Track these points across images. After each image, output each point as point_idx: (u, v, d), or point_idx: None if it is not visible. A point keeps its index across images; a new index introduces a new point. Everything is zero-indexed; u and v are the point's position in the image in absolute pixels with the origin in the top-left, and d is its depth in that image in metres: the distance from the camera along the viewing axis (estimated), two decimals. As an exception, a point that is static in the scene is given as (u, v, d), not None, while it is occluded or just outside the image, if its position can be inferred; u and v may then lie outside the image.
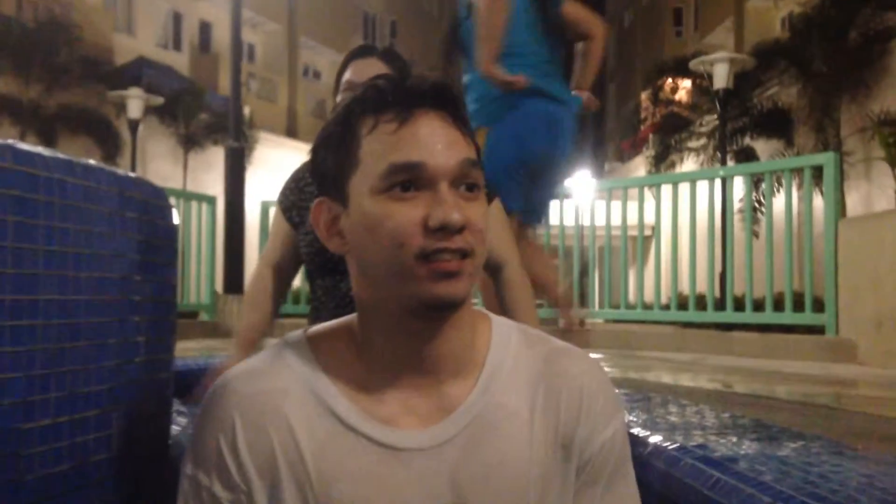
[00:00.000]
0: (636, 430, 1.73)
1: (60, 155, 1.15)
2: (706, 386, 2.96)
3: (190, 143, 17.41)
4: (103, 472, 1.21)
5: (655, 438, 1.63)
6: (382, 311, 0.86)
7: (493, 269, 1.98)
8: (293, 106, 24.60)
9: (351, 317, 0.91)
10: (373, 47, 2.08)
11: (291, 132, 23.23)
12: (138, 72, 17.72)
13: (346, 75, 2.02)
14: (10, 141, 1.06)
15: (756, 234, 5.76)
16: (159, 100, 14.74)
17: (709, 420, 1.87)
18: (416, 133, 0.84)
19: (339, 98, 2.02)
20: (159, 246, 1.36)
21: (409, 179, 0.82)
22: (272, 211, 7.42)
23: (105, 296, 1.20)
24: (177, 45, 22.87)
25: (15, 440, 1.03)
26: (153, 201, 1.36)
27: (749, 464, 1.35)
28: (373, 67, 1.96)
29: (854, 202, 11.07)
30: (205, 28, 23.65)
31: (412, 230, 0.81)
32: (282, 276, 2.05)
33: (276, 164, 18.21)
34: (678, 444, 1.53)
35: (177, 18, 22.89)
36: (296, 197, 2.01)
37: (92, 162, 1.22)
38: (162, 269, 1.37)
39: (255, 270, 2.07)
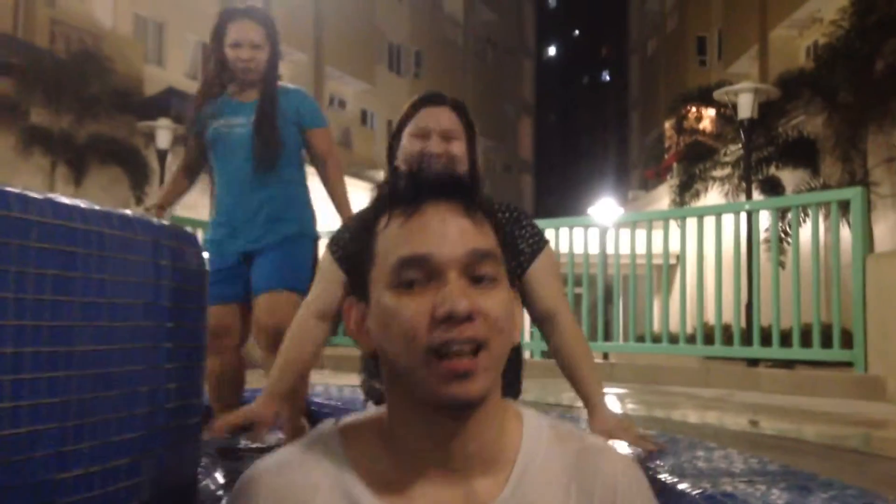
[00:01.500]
0: (663, 476, 1.72)
1: (98, 207, 1.17)
2: (732, 426, 2.92)
3: (217, 171, 17.59)
4: (135, 519, 1.22)
5: (683, 485, 1.62)
6: (407, 406, 0.85)
7: (543, 320, 1.93)
8: (318, 135, 24.80)
9: (383, 409, 0.90)
10: (443, 96, 2.01)
11: (316, 161, 23.40)
12: (167, 102, 17.96)
13: (417, 121, 1.94)
14: (50, 195, 1.09)
15: (783, 266, 5.71)
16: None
17: (737, 465, 1.85)
18: (424, 225, 0.84)
19: (404, 143, 1.95)
20: (191, 291, 1.38)
21: (418, 272, 0.82)
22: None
23: (138, 344, 1.22)
24: (205, 76, 23.20)
25: (48, 491, 1.05)
26: (186, 248, 1.38)
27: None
28: (444, 116, 1.93)
29: (882, 233, 10.93)
30: (232, 59, 24.00)
31: (420, 323, 0.80)
32: (327, 326, 1.96)
33: (300, 192, 18.34)
34: (707, 493, 1.52)
35: (205, 50, 23.24)
36: (352, 247, 1.99)
37: (129, 212, 1.25)
38: (193, 314, 1.40)
39: (299, 318, 1.97)
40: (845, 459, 2.15)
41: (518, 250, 1.90)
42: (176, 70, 21.87)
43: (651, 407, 3.55)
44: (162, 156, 14.25)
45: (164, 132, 14.28)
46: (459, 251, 0.83)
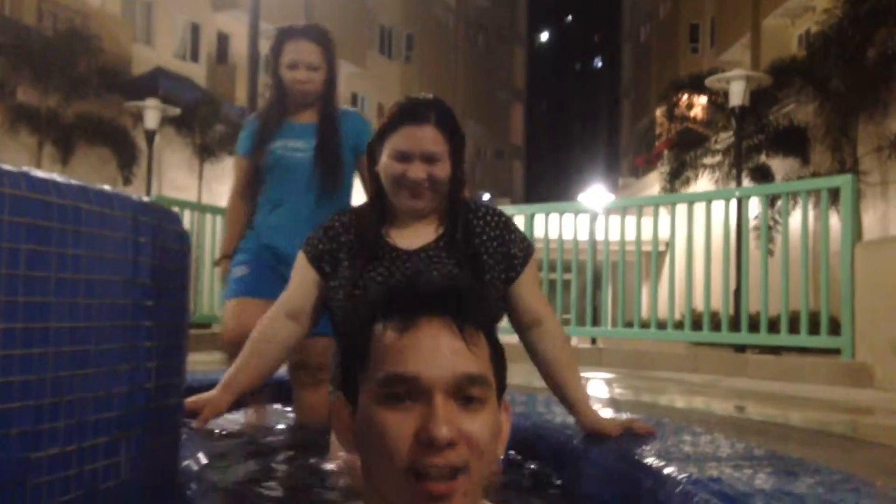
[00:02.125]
0: (650, 461, 1.71)
1: (74, 182, 1.14)
2: (720, 411, 2.92)
3: (206, 153, 17.48)
4: (112, 500, 1.20)
5: (670, 469, 1.61)
6: None
7: (529, 326, 1.89)
8: (309, 117, 24.69)
9: None
10: (426, 110, 1.81)
11: (307, 143, 23.30)
12: (155, 82, 17.83)
13: (398, 142, 1.78)
14: (24, 168, 1.06)
15: (771, 253, 5.72)
16: (176, 110, 14.82)
17: (723, 450, 1.84)
18: (416, 343, 0.83)
19: (384, 160, 1.81)
20: (172, 270, 1.36)
21: (404, 391, 0.81)
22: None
23: (116, 322, 1.20)
24: (194, 57, 23.03)
25: (23, 470, 1.02)
26: (167, 226, 1.35)
27: (766, 500, 1.32)
28: (427, 136, 1.78)
29: (870, 221, 10.98)
30: (222, 39, 23.80)
31: (402, 444, 0.79)
32: (297, 327, 1.88)
33: (290, 175, 18.25)
34: (693, 478, 1.51)
35: (195, 30, 23.05)
36: (326, 246, 1.87)
37: (107, 188, 1.22)
38: (174, 293, 1.37)
39: (269, 315, 1.90)
40: (832, 445, 2.16)
41: (511, 254, 1.86)
42: (165, 50, 21.69)
43: (638, 392, 3.56)
44: (150, 136, 14.15)
45: (152, 112, 14.16)
46: (448, 374, 0.81)
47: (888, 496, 1.43)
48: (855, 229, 4.87)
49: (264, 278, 2.71)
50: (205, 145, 17.53)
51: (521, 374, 3.72)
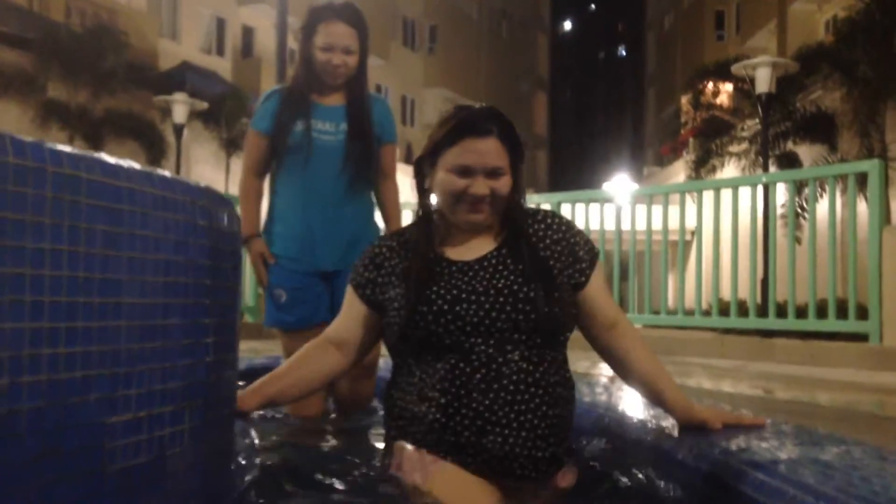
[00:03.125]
0: (677, 432, 1.77)
1: (139, 167, 1.23)
2: (747, 392, 2.97)
3: (232, 147, 17.66)
4: (177, 465, 1.28)
5: (697, 440, 1.67)
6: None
7: (605, 329, 1.77)
8: (333, 110, 24.81)
9: None
10: (490, 123, 1.71)
11: (331, 136, 23.43)
12: (182, 76, 18.03)
13: (459, 157, 1.68)
14: (100, 154, 1.14)
15: (799, 241, 5.72)
16: (203, 104, 14.99)
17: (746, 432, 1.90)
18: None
19: (442, 176, 1.71)
20: (226, 251, 1.44)
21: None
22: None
23: (179, 299, 1.28)
24: (220, 51, 23.24)
25: (100, 433, 1.11)
26: (221, 209, 1.43)
27: (791, 467, 1.38)
28: (491, 150, 1.69)
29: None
30: (247, 33, 23.99)
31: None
32: (341, 358, 1.80)
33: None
34: (721, 447, 1.57)
35: (220, 24, 23.25)
36: (373, 274, 1.78)
37: (167, 173, 1.30)
38: (229, 273, 1.45)
39: (316, 342, 1.82)
40: (859, 422, 2.20)
41: (578, 257, 1.76)
42: (190, 44, 21.91)
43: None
44: (178, 130, 14.34)
45: (180, 106, 14.34)
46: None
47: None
48: (882, 214, 4.88)
49: (306, 304, 2.67)
50: (231, 139, 17.72)
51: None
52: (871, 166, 5.01)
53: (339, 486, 1.73)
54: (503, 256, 1.72)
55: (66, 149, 1.08)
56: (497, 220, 1.75)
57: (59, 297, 1.03)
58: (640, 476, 1.77)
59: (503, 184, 1.70)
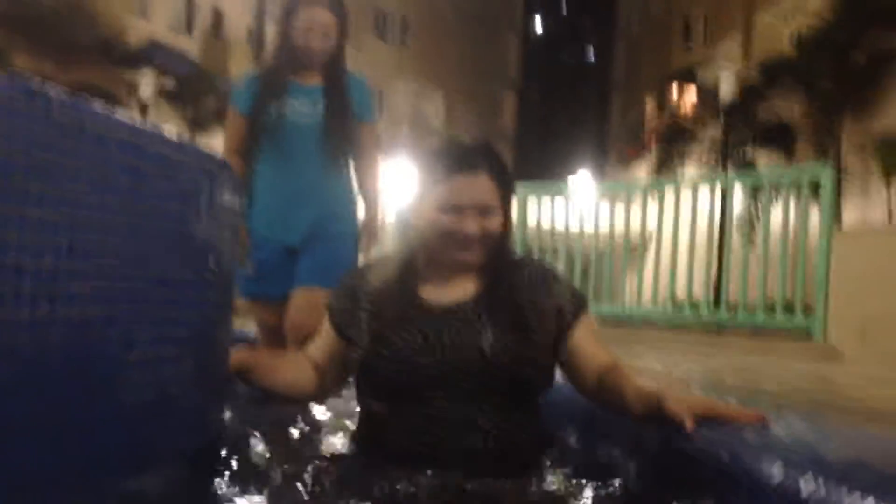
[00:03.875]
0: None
1: (158, 130, 1.34)
2: (697, 378, 3.15)
3: (197, 127, 17.56)
4: (179, 403, 1.40)
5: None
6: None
7: (603, 374, 1.58)
8: (302, 96, 24.72)
9: None
10: (481, 159, 1.62)
11: (299, 122, 23.36)
12: (150, 54, 17.85)
13: (450, 195, 1.58)
14: (127, 117, 1.25)
15: (753, 243, 5.96)
16: (171, 82, 14.91)
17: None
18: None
19: (431, 216, 1.60)
20: (230, 209, 1.55)
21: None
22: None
23: (189, 252, 1.40)
24: (189, 30, 23.02)
25: (119, 368, 1.22)
26: (224, 172, 1.55)
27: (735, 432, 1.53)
28: (482, 187, 1.59)
29: (851, 217, 11.29)
30: (217, 15, 23.78)
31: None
32: (316, 379, 1.70)
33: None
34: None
35: (190, 4, 23.03)
36: (347, 304, 1.68)
37: (186, 141, 1.42)
38: (231, 234, 1.57)
39: (297, 358, 1.74)
40: (798, 403, 2.38)
41: (560, 308, 1.63)
42: (160, 22, 21.65)
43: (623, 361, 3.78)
44: (144, 107, 14.26)
45: (147, 83, 14.27)
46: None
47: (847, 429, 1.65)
48: (833, 219, 5.11)
49: (272, 276, 2.72)
50: (197, 119, 17.60)
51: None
52: (824, 173, 5.25)
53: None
54: (481, 307, 1.60)
55: (103, 110, 1.19)
56: (483, 260, 1.64)
57: (88, 241, 1.15)
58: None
59: (495, 222, 1.60)
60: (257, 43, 7.77)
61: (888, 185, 5.08)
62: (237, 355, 1.64)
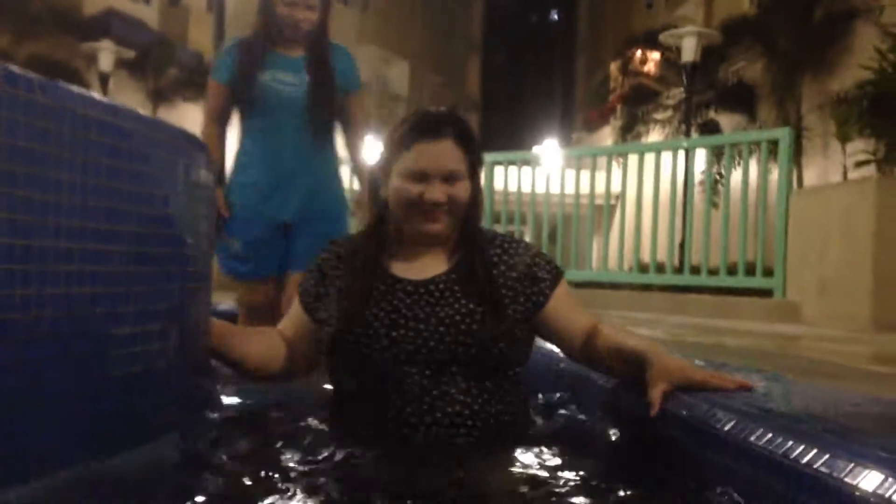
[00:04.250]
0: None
1: (138, 111, 1.37)
2: (661, 337, 3.26)
3: (160, 98, 17.28)
4: (163, 378, 1.45)
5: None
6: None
7: (588, 337, 1.61)
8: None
9: None
10: (445, 123, 1.61)
11: (261, 91, 23.09)
12: (108, 24, 17.49)
13: (413, 162, 1.58)
14: (105, 98, 1.28)
15: (716, 206, 6.08)
16: (130, 53, 14.67)
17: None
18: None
19: (396, 184, 1.61)
20: (204, 188, 1.59)
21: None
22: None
23: (168, 229, 1.44)
24: (146, -2, 22.54)
25: (106, 343, 1.27)
26: (198, 151, 1.59)
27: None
28: (447, 153, 1.59)
29: (812, 177, 11.48)
30: (175, -19, 23.32)
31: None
32: (289, 356, 1.72)
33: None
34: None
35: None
36: (315, 283, 1.71)
37: (156, 117, 1.45)
38: (206, 207, 1.61)
39: (275, 331, 1.75)
40: (760, 358, 2.49)
41: (537, 278, 1.63)
42: (116, -9, 21.21)
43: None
44: (104, 78, 14.01)
45: (106, 54, 14.01)
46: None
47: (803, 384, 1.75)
48: (790, 179, 5.24)
49: (259, 256, 2.72)
50: (159, 90, 17.32)
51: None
52: (781, 134, 5.37)
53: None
54: (452, 281, 1.59)
55: (82, 92, 1.22)
56: (454, 235, 1.65)
57: (72, 221, 1.19)
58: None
59: (461, 189, 1.58)
60: (217, 10, 7.67)
61: (843, 143, 5.21)
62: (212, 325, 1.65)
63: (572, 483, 1.36)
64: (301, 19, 2.69)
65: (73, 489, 1.17)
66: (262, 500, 1.23)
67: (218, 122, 2.80)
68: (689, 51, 10.39)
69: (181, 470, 1.43)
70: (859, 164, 4.75)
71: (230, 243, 2.76)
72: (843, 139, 5.24)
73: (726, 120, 13.56)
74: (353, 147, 2.91)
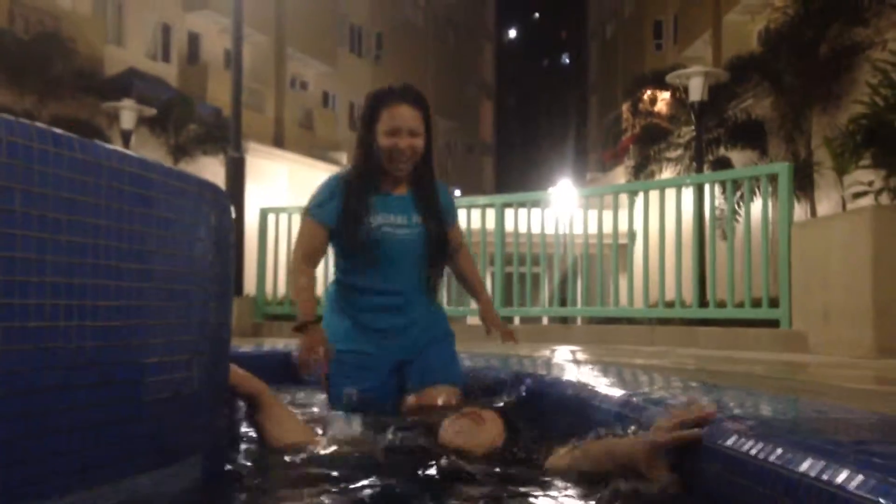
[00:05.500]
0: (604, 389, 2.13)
1: (159, 163, 1.54)
2: (671, 366, 3.36)
3: (180, 153, 17.69)
4: (188, 404, 1.59)
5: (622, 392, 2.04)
6: None
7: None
8: (280, 116, 24.97)
9: None
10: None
11: (279, 142, 23.58)
12: (129, 83, 18.00)
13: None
14: (136, 153, 1.45)
15: (725, 238, 6.18)
16: (152, 110, 15.05)
17: (657, 382, 2.28)
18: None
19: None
20: (225, 231, 1.75)
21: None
22: (270, 217, 7.83)
23: (193, 270, 1.59)
24: (165, 57, 23.17)
25: (139, 371, 1.42)
26: (219, 199, 1.75)
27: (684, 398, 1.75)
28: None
29: (825, 209, 11.54)
30: (193, 39, 23.97)
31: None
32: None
33: (265, 173, 18.57)
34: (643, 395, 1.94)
35: (165, 30, 23.19)
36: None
37: (186, 172, 1.62)
38: (227, 250, 1.77)
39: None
40: (766, 385, 2.59)
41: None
42: (136, 50, 21.82)
43: (600, 355, 3.99)
44: (126, 136, 14.39)
45: (128, 113, 14.39)
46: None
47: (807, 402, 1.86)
48: (791, 212, 5.36)
49: (377, 401, 2.57)
50: (179, 145, 17.75)
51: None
52: (780, 168, 5.49)
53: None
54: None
55: (115, 148, 1.39)
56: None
57: (109, 261, 1.34)
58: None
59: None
60: (235, 67, 7.96)
61: (840, 175, 5.33)
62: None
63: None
64: (405, 148, 2.58)
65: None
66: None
67: (312, 263, 2.71)
68: (697, 90, 10.57)
69: (204, 489, 1.56)
70: (857, 196, 4.86)
71: (347, 394, 2.62)
72: (840, 172, 5.35)
73: (738, 156, 13.67)
74: (465, 270, 2.89)
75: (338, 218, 2.63)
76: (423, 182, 2.69)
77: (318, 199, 2.70)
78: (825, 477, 1.06)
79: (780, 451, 1.16)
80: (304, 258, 2.68)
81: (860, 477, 1.01)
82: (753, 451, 1.20)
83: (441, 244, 2.68)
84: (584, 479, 1.51)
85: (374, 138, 2.60)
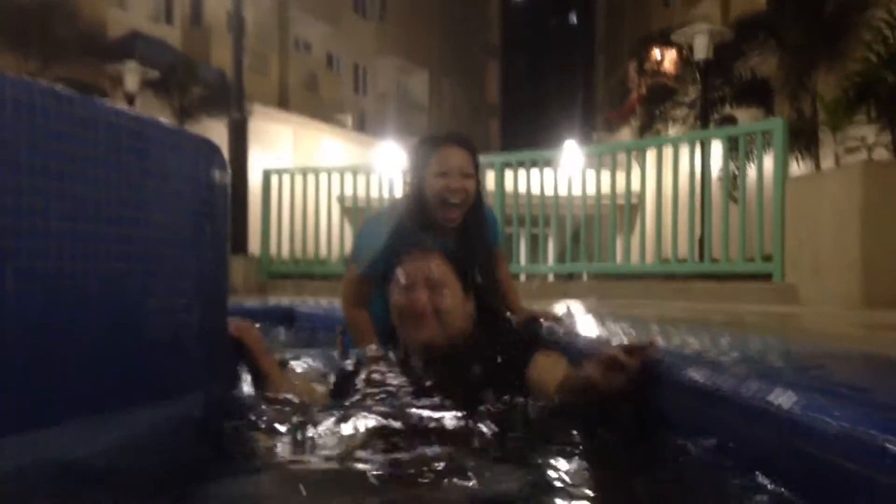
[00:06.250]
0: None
1: (157, 119, 1.63)
2: (667, 314, 3.47)
3: (185, 116, 17.70)
4: (189, 345, 1.70)
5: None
6: None
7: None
8: (284, 78, 24.89)
9: None
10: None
11: (283, 104, 23.54)
12: (132, 45, 17.97)
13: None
14: (134, 110, 1.54)
15: (734, 199, 6.24)
16: (155, 73, 15.07)
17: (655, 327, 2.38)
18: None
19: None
20: (221, 186, 1.85)
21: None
22: (273, 179, 7.92)
23: (192, 219, 1.69)
24: (168, 19, 23.08)
25: (141, 312, 1.53)
26: (215, 155, 1.84)
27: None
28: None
29: (830, 166, 11.56)
30: (196, 1, 23.84)
31: None
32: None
33: (270, 134, 18.61)
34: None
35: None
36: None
37: (182, 128, 1.71)
38: (223, 202, 1.86)
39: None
40: (745, 326, 2.69)
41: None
42: (139, 13, 21.72)
43: (597, 307, 4.10)
44: (130, 99, 14.43)
45: (131, 75, 14.43)
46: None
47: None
48: (786, 168, 5.42)
49: None
50: (183, 108, 17.76)
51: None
52: (774, 125, 5.54)
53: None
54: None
55: (112, 105, 1.48)
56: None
57: (109, 210, 1.44)
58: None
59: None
60: (237, 29, 7.99)
61: (833, 132, 5.37)
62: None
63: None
64: (457, 188, 2.51)
65: (103, 433, 1.42)
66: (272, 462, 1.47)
67: (362, 307, 2.64)
68: (702, 48, 10.55)
69: (200, 426, 1.68)
70: (850, 151, 4.91)
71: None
72: (834, 128, 5.40)
73: (744, 115, 13.63)
74: (509, 295, 2.82)
75: (385, 269, 2.41)
76: (470, 231, 2.60)
77: (363, 243, 2.67)
78: (759, 397, 1.16)
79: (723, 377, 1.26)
80: (355, 305, 2.66)
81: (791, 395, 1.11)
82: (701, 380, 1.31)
83: (494, 291, 2.64)
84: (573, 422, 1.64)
85: (425, 184, 2.54)
